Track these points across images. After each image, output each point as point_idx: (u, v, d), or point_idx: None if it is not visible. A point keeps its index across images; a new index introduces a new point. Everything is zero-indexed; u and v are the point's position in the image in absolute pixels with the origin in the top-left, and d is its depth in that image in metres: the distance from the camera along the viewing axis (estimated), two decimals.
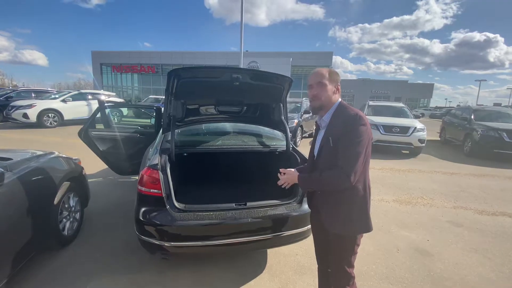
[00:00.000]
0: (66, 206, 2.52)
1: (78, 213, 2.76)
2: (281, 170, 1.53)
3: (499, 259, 2.61)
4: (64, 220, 2.49)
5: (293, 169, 1.52)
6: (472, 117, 8.34)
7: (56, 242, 2.36)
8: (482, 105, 22.74)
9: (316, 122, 1.58)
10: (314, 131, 1.66)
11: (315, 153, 1.47)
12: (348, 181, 1.24)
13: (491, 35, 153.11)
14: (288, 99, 2.77)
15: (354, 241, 1.41)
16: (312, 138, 1.72)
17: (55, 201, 2.29)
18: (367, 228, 1.39)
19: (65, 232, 2.48)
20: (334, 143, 1.30)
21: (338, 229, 1.40)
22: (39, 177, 2.19)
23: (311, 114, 9.59)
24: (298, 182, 1.44)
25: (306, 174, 1.47)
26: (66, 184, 2.48)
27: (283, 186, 1.54)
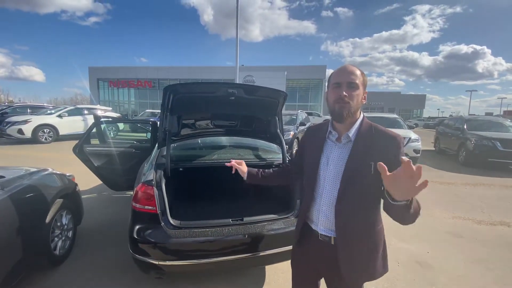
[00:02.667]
0: (59, 224, 2.45)
1: (71, 231, 2.69)
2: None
3: (501, 270, 2.57)
4: (56, 239, 2.41)
5: None
6: (465, 126, 8.47)
7: (47, 261, 2.27)
8: (474, 114, 23.16)
9: (312, 129, 1.29)
10: (306, 141, 1.29)
11: (327, 176, 1.12)
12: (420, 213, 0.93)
13: (478, 47, 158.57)
14: (284, 111, 2.79)
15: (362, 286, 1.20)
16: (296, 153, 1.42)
17: (47, 220, 2.23)
18: (387, 267, 1.20)
19: (57, 252, 2.40)
20: (376, 169, 0.87)
21: (363, 279, 1.14)
22: (31, 195, 2.14)
23: (307, 126, 9.67)
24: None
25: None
26: (58, 202, 2.42)
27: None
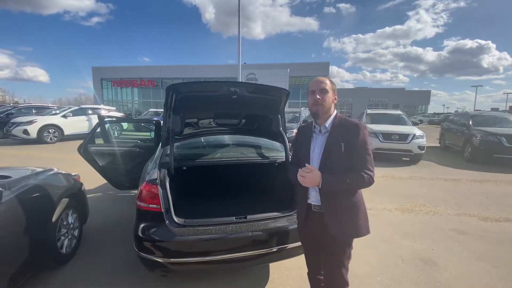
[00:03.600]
0: (65, 223, 2.49)
1: (77, 230, 2.72)
2: (308, 166, 1.43)
3: (506, 267, 2.55)
4: (62, 237, 2.45)
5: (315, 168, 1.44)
6: (471, 122, 8.37)
7: (54, 260, 2.31)
8: (480, 110, 22.89)
9: (302, 128, 1.66)
10: (299, 138, 1.67)
11: (314, 157, 1.49)
12: (372, 181, 1.38)
13: (482, 42, 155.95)
14: (286, 109, 2.79)
15: (351, 245, 1.51)
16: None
17: (53, 219, 2.26)
18: (368, 230, 1.50)
19: (63, 250, 2.44)
20: (346, 148, 1.39)
21: (347, 235, 1.46)
22: (37, 194, 2.17)
23: None
24: (323, 182, 1.37)
25: (327, 174, 1.39)
26: (64, 201, 2.45)
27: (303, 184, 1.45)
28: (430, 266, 2.56)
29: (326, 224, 1.44)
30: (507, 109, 38.83)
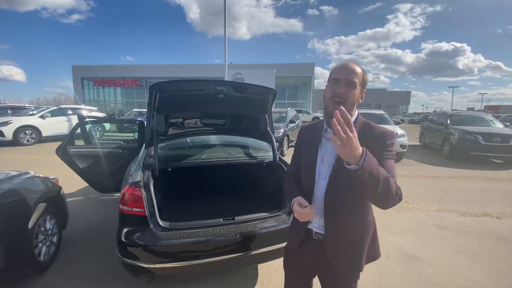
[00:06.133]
0: (42, 229, 2.36)
1: (56, 236, 2.59)
2: (302, 203, 1.10)
3: (486, 260, 2.66)
4: (40, 244, 2.32)
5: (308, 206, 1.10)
6: (448, 121, 8.72)
7: (31, 268, 2.19)
8: (457, 110, 23.92)
9: (307, 129, 1.28)
10: (301, 141, 1.29)
11: (322, 170, 1.12)
12: (400, 199, 0.99)
13: (458, 44, 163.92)
14: (273, 109, 2.78)
15: (358, 276, 1.18)
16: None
17: (30, 225, 2.13)
18: (379, 253, 1.25)
19: (41, 258, 2.31)
20: None
21: (356, 269, 1.15)
22: (12, 199, 2.05)
23: (296, 123, 9.71)
24: (364, 157, 0.85)
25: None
26: (42, 206, 2.33)
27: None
28: (414, 261, 2.62)
29: (328, 257, 1.13)
30: (482, 108, 40.86)
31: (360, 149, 0.85)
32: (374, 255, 1.21)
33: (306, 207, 1.08)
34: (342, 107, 0.84)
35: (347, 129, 0.81)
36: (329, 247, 1.12)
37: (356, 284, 1.19)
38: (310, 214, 1.08)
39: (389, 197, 0.93)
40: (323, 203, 1.11)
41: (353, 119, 1.11)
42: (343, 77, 1.04)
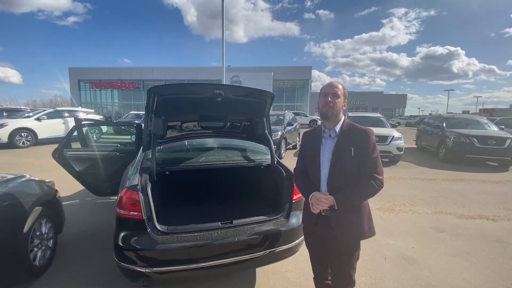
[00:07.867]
0: (38, 233, 2.34)
1: (51, 240, 2.57)
2: (316, 196, 1.46)
3: (482, 262, 2.68)
4: (36, 249, 2.29)
5: (323, 194, 1.46)
6: (444, 124, 8.81)
7: (26, 273, 2.16)
8: (452, 113, 24.15)
9: (309, 133, 1.66)
10: (306, 143, 1.66)
11: (324, 162, 1.51)
12: (382, 185, 1.43)
13: (452, 48, 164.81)
14: (271, 112, 2.78)
15: (359, 247, 1.55)
16: (296, 150, 1.71)
17: (25, 229, 2.12)
18: (373, 231, 1.55)
19: (37, 262, 2.28)
20: (356, 152, 1.43)
21: (353, 238, 1.50)
22: (7, 203, 2.04)
23: (294, 126, 9.74)
24: (337, 202, 1.40)
25: (339, 193, 1.42)
26: (37, 210, 2.31)
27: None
28: (411, 263, 2.63)
29: (332, 228, 1.47)
30: (477, 111, 41.28)
31: (331, 201, 1.41)
32: (370, 233, 1.53)
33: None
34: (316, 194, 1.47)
35: (319, 207, 1.44)
36: (334, 221, 1.47)
37: (358, 252, 1.54)
38: (327, 201, 1.42)
39: (371, 196, 1.44)
40: (326, 186, 1.49)
41: (341, 121, 1.53)
42: (330, 91, 1.49)
